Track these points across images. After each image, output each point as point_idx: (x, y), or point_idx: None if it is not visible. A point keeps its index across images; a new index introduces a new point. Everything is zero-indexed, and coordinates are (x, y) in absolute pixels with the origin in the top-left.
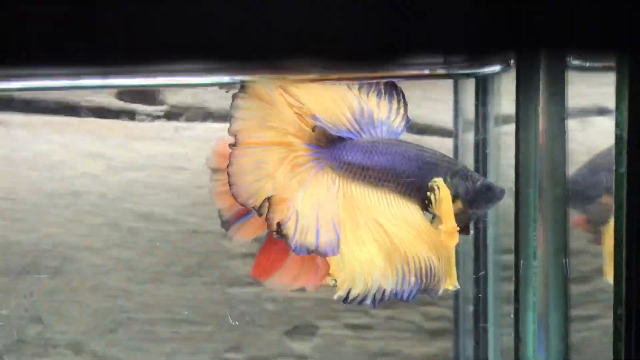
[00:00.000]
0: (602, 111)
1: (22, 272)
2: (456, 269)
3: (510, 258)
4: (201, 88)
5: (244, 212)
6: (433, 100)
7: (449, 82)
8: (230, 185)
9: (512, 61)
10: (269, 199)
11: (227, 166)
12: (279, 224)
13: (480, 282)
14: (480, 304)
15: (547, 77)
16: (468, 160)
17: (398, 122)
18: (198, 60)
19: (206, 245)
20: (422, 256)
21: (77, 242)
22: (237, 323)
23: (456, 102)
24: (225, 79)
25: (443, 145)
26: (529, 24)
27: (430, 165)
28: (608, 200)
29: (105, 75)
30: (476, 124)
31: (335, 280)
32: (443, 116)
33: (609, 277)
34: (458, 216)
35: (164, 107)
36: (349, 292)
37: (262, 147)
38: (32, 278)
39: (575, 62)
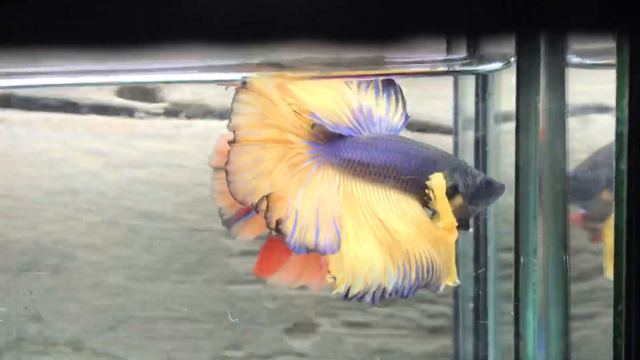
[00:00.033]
0: (602, 109)
1: (21, 269)
2: (456, 266)
3: (510, 256)
4: (201, 86)
5: (246, 211)
6: (433, 98)
7: (449, 80)
8: (228, 183)
9: (512, 58)
10: (267, 196)
11: (225, 164)
12: (277, 222)
13: (480, 280)
14: (480, 301)
15: (547, 73)
16: (468, 158)
17: (397, 119)
18: (196, 42)
19: (206, 242)
20: (423, 252)
21: (77, 240)
22: (237, 320)
23: (456, 99)
24: (225, 76)
25: (443, 143)
26: (529, 3)
27: (430, 162)
28: (607, 197)
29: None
30: (476, 121)
31: (335, 278)
32: (443, 114)
33: (610, 274)
34: (458, 212)
35: (163, 105)
36: (348, 289)
37: (261, 144)
38: (32, 276)
39: (576, 60)
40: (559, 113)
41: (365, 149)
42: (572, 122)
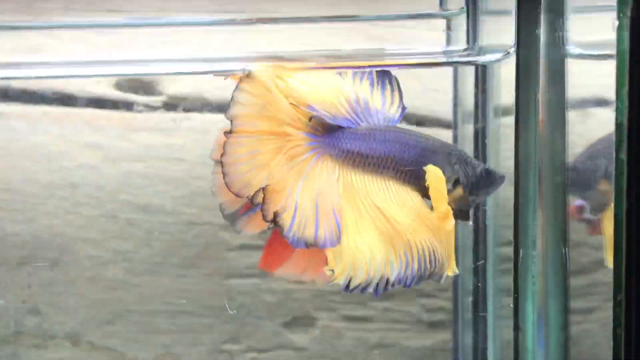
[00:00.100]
0: (602, 103)
1: (19, 263)
2: (456, 259)
3: (509, 251)
4: (200, 79)
5: (251, 206)
6: (432, 92)
7: (448, 74)
8: (223, 175)
9: (511, 49)
10: (263, 189)
11: (221, 155)
12: (274, 215)
13: (479, 273)
14: (479, 294)
15: (547, 64)
16: (468, 151)
17: (394, 110)
18: None
19: (204, 236)
20: (424, 242)
21: (75, 234)
22: (234, 312)
23: (455, 91)
24: (224, 66)
25: (442, 137)
26: None
27: (429, 152)
28: (606, 187)
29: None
30: (475, 113)
31: (332, 270)
32: (442, 107)
33: (610, 264)
34: (459, 202)
35: (162, 98)
36: (349, 281)
37: (258, 136)
38: (30, 269)
39: (576, 51)
40: (559, 104)
41: (364, 140)
42: (571, 116)
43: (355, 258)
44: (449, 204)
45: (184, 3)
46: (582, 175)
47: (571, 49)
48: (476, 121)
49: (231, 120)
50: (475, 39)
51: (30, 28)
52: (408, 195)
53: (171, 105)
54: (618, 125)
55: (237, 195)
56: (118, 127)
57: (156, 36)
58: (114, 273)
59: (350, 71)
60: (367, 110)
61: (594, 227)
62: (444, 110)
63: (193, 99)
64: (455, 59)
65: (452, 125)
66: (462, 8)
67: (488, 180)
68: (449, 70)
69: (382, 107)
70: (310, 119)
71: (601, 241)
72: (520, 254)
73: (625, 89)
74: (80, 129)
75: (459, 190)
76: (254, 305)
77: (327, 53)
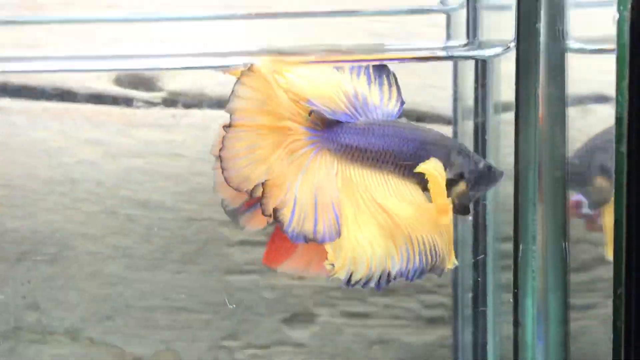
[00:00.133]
0: (602, 99)
1: (19, 258)
2: (455, 255)
3: (509, 246)
4: (200, 75)
5: (254, 202)
6: (432, 88)
7: (448, 70)
8: (222, 170)
9: (512, 44)
10: (263, 183)
11: (220, 150)
12: (274, 210)
13: (479, 269)
14: (479, 290)
15: (547, 59)
16: (468, 146)
17: (392, 105)
18: None
19: (204, 232)
20: (425, 235)
21: (75, 229)
22: (234, 306)
23: (455, 87)
24: (224, 61)
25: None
26: None
27: (429, 145)
28: (605, 182)
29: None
30: (475, 108)
31: (332, 265)
32: (442, 103)
33: (611, 257)
34: (459, 196)
35: (162, 94)
36: (350, 276)
37: (257, 130)
38: (30, 265)
39: (576, 46)
40: (559, 98)
41: (363, 135)
42: (571, 112)
43: (356, 252)
44: (452, 198)
45: None
46: (581, 170)
47: (571, 43)
48: (476, 116)
49: (230, 114)
50: (475, 34)
51: (30, 23)
52: (407, 189)
53: (171, 101)
54: (618, 118)
55: (236, 189)
56: (118, 123)
57: (156, 31)
58: (113, 269)
59: (347, 66)
60: (365, 105)
61: (593, 222)
62: (444, 107)
63: (193, 95)
64: (455, 54)
65: (452, 121)
66: (462, 3)
67: (488, 174)
68: (449, 66)
69: (380, 102)
70: (309, 114)
71: (601, 238)
72: (520, 249)
73: (625, 82)
74: (80, 124)
75: (462, 185)
76: (254, 301)
77: (327, 48)
